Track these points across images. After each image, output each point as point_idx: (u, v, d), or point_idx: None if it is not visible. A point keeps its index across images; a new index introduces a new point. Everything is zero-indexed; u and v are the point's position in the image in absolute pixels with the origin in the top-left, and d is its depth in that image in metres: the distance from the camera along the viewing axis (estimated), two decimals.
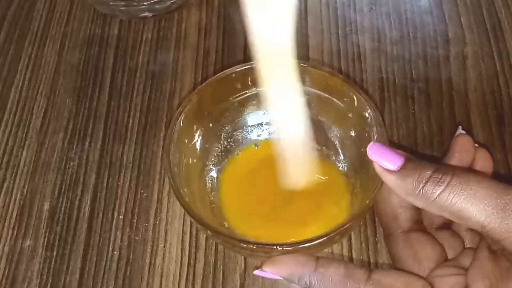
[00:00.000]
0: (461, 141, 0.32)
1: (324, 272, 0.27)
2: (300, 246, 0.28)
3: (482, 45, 0.45)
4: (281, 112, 0.32)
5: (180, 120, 0.33)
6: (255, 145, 0.38)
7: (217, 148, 0.37)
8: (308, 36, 0.46)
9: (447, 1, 0.48)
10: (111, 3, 0.45)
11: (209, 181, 0.36)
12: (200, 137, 0.36)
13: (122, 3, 0.45)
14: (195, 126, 0.35)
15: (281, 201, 0.35)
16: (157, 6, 0.46)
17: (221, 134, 0.37)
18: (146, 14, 0.47)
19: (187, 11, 0.49)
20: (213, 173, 0.37)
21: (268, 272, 0.28)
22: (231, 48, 0.46)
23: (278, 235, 0.34)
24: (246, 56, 0.45)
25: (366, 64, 0.45)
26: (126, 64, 0.46)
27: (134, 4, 0.45)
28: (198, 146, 0.36)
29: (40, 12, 0.49)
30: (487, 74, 0.44)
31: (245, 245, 0.29)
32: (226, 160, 0.37)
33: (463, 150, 0.31)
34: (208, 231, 0.30)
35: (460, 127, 0.33)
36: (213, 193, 0.36)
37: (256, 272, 0.29)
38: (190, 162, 0.35)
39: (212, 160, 0.37)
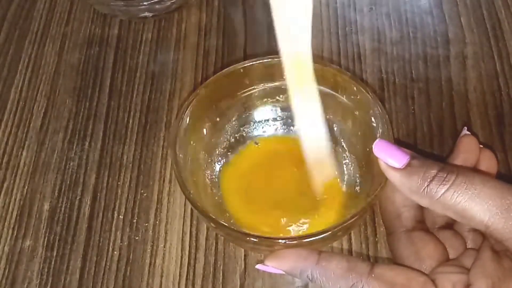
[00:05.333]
0: (466, 142, 0.32)
1: (326, 265, 0.27)
2: (303, 240, 0.29)
3: (482, 45, 0.45)
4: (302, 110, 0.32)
5: (188, 112, 0.33)
6: (255, 143, 0.38)
7: (223, 142, 0.37)
8: None
9: (447, 1, 0.48)
10: (111, 3, 0.45)
11: (214, 174, 0.37)
12: (207, 131, 0.36)
13: (122, 3, 0.45)
14: (202, 119, 0.35)
15: (283, 196, 0.35)
16: (157, 6, 0.46)
17: (228, 129, 0.37)
18: (146, 14, 0.47)
19: (187, 11, 0.49)
20: (218, 167, 0.37)
21: (270, 266, 0.29)
22: (231, 48, 0.46)
23: (280, 229, 0.34)
24: (246, 56, 0.45)
25: (366, 64, 0.45)
26: (126, 64, 0.46)
27: (134, 4, 0.45)
28: (204, 139, 0.36)
29: (40, 12, 0.49)
30: (487, 74, 0.44)
31: (248, 238, 0.29)
32: (231, 154, 0.37)
33: (467, 150, 0.31)
34: (211, 223, 0.30)
35: (466, 127, 0.33)
36: (217, 186, 0.36)
37: (258, 266, 0.29)
38: (196, 154, 0.35)
39: (218, 154, 0.37)
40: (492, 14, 0.47)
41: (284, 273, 0.29)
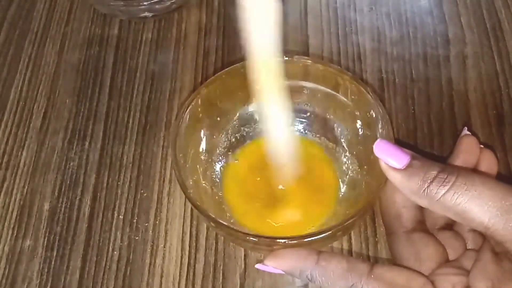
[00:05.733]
0: (466, 142, 0.32)
1: (326, 265, 0.27)
2: (303, 240, 0.29)
3: (482, 45, 0.45)
4: (269, 110, 0.32)
5: (188, 112, 0.33)
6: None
7: (223, 142, 0.37)
8: (308, 36, 0.46)
9: (447, 1, 0.48)
10: (111, 3, 0.45)
11: (214, 174, 0.37)
12: (207, 130, 0.36)
13: (122, 3, 0.45)
14: (202, 119, 0.35)
15: (284, 196, 0.36)
16: (157, 6, 0.46)
17: (228, 129, 0.37)
18: (146, 14, 0.47)
19: (187, 11, 0.49)
20: (219, 166, 0.37)
21: (270, 266, 0.29)
22: (231, 48, 0.46)
23: (280, 229, 0.34)
24: (246, 56, 0.45)
25: (366, 64, 0.45)
26: (126, 64, 0.46)
27: (134, 4, 0.45)
28: (204, 139, 0.36)
29: (40, 12, 0.49)
30: (487, 74, 0.44)
31: (248, 238, 0.29)
32: (232, 153, 0.38)
33: (468, 150, 0.31)
34: (211, 223, 0.30)
35: (466, 128, 0.33)
36: (217, 185, 0.36)
37: (257, 266, 0.29)
38: (196, 154, 0.35)
39: (218, 153, 0.37)
40: (492, 14, 0.47)
41: (283, 273, 0.29)
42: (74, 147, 0.42)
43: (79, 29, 0.48)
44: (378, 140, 0.28)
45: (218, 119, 0.36)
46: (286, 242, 0.29)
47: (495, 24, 0.46)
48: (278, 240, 0.29)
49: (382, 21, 0.47)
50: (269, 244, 0.29)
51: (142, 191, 0.39)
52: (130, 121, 0.43)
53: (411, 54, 0.45)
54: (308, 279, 0.28)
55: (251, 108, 0.37)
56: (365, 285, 0.27)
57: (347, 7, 0.48)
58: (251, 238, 0.29)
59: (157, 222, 0.38)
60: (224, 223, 0.30)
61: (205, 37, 0.47)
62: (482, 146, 0.32)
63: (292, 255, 0.28)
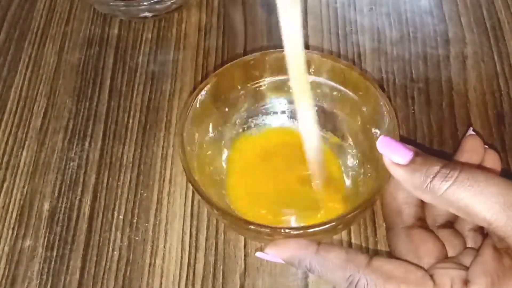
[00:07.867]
0: (470, 141, 0.32)
1: (325, 255, 0.28)
2: (303, 231, 0.29)
3: (482, 45, 0.45)
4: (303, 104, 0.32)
5: (197, 101, 0.33)
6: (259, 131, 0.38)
7: (231, 133, 0.37)
8: (308, 36, 0.46)
9: (447, 1, 0.48)
10: (111, 3, 0.45)
11: (220, 164, 0.37)
12: (215, 120, 0.36)
13: (122, 3, 0.45)
14: (210, 108, 0.35)
15: (288, 188, 0.36)
16: (157, 6, 0.46)
17: (236, 119, 0.37)
18: (146, 14, 0.47)
19: (187, 11, 0.49)
20: (225, 157, 0.37)
21: (270, 254, 0.29)
22: (231, 48, 0.46)
23: (282, 221, 0.34)
24: (246, 55, 0.45)
25: (366, 64, 0.45)
26: (126, 64, 0.46)
27: (134, 4, 0.45)
28: (212, 129, 0.36)
29: (40, 12, 0.49)
30: (487, 74, 0.44)
31: (250, 227, 0.29)
32: (238, 144, 0.38)
33: (472, 150, 0.32)
34: (215, 211, 0.30)
35: (471, 128, 0.33)
36: (222, 175, 0.36)
37: (257, 254, 0.30)
38: (203, 143, 0.35)
39: (225, 144, 0.37)
40: (492, 14, 0.47)
41: (283, 262, 0.29)
42: (74, 147, 0.42)
43: (79, 29, 0.48)
44: (381, 136, 0.29)
45: (226, 109, 0.36)
46: (287, 231, 0.29)
47: (495, 24, 0.46)
48: (279, 230, 0.29)
49: (382, 21, 0.47)
50: (271, 233, 0.29)
51: (142, 191, 0.39)
52: (130, 121, 0.43)
53: (411, 54, 0.45)
54: (307, 268, 0.28)
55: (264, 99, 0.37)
56: (363, 276, 0.27)
57: (347, 7, 0.48)
58: (253, 227, 0.29)
59: (157, 222, 0.38)
60: (228, 210, 0.30)
61: (205, 37, 0.47)
62: (486, 146, 0.32)
63: (292, 244, 0.29)
